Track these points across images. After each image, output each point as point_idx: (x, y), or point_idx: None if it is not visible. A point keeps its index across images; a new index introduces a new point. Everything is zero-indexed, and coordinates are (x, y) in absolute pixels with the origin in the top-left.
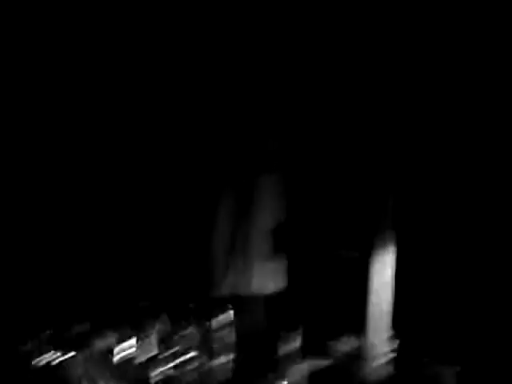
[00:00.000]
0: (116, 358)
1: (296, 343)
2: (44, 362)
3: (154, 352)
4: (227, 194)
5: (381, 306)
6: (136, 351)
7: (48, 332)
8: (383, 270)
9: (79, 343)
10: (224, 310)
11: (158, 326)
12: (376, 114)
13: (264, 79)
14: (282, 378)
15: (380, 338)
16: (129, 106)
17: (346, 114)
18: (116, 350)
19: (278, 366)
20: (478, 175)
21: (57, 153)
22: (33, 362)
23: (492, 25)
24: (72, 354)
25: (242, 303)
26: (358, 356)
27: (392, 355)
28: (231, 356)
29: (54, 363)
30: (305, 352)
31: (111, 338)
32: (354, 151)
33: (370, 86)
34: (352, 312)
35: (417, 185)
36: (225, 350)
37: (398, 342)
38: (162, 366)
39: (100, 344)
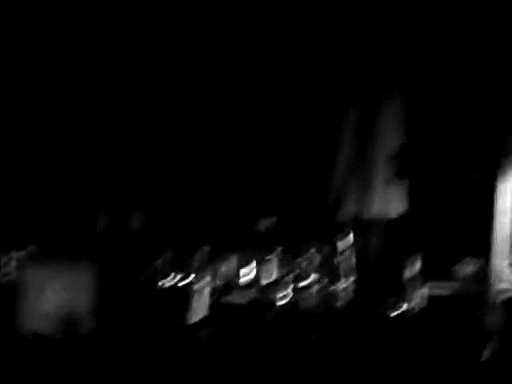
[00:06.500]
0: (238, 282)
1: (417, 267)
2: (168, 284)
3: (275, 276)
4: (349, 118)
5: (504, 229)
6: (257, 275)
7: (170, 254)
8: (508, 191)
9: (201, 266)
10: (345, 234)
11: (278, 250)
12: None
13: None
14: (404, 301)
15: (503, 261)
16: None
17: None
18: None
19: (400, 289)
20: None
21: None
22: (157, 284)
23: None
24: (194, 276)
25: (363, 227)
26: (480, 279)
27: None
28: (352, 280)
29: (177, 285)
30: (426, 275)
31: (233, 262)
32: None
33: None
34: (474, 234)
35: None
36: (346, 274)
37: None
38: (284, 290)
39: (222, 267)
